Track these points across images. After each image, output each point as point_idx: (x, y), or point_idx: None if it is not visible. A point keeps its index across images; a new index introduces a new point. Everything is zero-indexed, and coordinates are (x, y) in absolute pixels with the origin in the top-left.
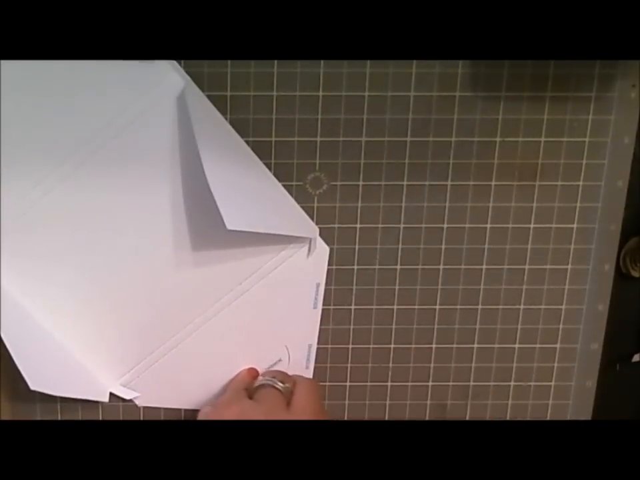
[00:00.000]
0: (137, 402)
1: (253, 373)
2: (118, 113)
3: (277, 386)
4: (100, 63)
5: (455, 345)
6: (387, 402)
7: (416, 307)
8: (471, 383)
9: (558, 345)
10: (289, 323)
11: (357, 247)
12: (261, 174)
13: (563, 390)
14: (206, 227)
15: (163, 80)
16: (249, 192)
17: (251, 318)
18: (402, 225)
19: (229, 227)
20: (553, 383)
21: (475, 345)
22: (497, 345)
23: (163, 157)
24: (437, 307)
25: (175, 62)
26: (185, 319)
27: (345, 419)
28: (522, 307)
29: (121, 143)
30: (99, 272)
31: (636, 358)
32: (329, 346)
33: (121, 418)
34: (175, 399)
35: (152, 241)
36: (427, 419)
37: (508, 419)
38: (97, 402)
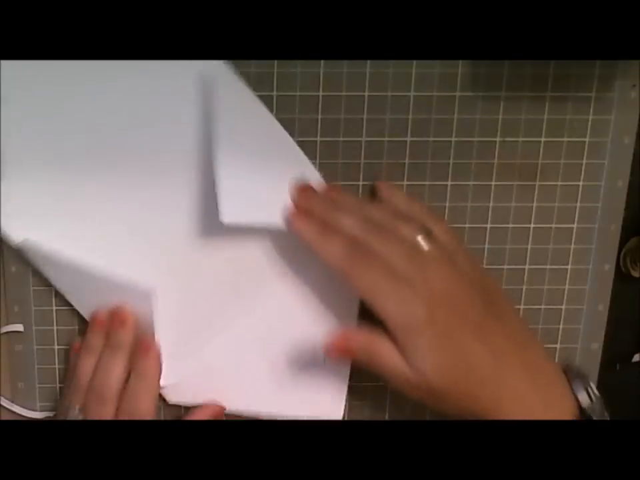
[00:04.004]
0: (167, 398)
1: None
2: (131, 112)
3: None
4: (110, 62)
5: None
6: (387, 402)
7: None
8: None
9: (558, 345)
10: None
11: None
12: (279, 167)
13: None
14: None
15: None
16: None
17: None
18: None
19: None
20: None
21: None
22: None
23: (179, 153)
24: None
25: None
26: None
27: (345, 419)
28: (522, 306)
29: (133, 142)
30: (115, 269)
31: (636, 358)
32: None
33: None
34: (204, 396)
35: (179, 234)
36: (427, 419)
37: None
38: None
